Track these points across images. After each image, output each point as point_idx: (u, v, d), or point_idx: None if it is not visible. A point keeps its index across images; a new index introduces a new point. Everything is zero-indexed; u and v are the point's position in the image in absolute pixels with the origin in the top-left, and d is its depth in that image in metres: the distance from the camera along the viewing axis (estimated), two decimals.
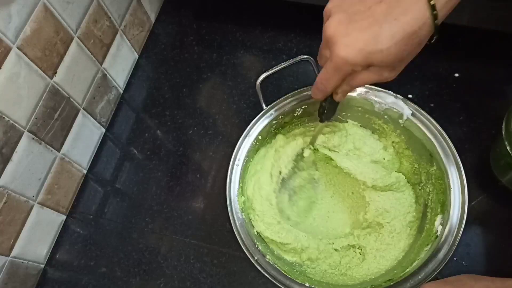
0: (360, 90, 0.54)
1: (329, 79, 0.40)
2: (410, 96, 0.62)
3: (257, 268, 0.48)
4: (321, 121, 0.50)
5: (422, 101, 0.62)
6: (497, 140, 0.54)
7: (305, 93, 0.55)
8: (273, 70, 0.53)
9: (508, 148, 0.49)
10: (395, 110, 0.53)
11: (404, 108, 0.52)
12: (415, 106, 0.52)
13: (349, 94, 0.53)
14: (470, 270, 0.52)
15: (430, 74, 0.65)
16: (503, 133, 0.50)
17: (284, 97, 0.55)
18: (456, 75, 0.65)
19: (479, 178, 0.57)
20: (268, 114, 0.55)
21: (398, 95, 0.53)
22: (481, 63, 0.65)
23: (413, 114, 0.52)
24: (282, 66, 0.53)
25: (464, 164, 0.48)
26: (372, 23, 0.34)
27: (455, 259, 0.53)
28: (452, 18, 0.65)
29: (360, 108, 0.56)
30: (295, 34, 0.71)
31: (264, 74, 0.53)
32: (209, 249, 0.59)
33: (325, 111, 0.48)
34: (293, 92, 0.56)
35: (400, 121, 0.53)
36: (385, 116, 0.55)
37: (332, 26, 0.36)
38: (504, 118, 0.50)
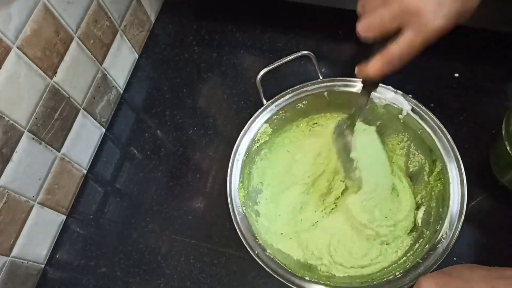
0: (359, 85, 0.54)
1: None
2: (410, 96, 0.62)
3: (257, 267, 0.48)
4: (366, 89, 0.46)
5: (422, 101, 0.62)
6: (497, 140, 0.54)
7: (306, 88, 0.55)
8: (273, 66, 0.53)
9: (508, 148, 0.49)
10: (395, 106, 0.53)
11: (403, 103, 0.53)
12: (415, 101, 0.52)
13: (348, 89, 0.54)
14: None
15: (430, 74, 0.65)
16: (503, 133, 0.50)
17: (285, 92, 0.56)
18: (456, 75, 0.65)
19: (479, 178, 0.57)
20: (268, 109, 0.55)
21: (398, 91, 0.53)
22: (481, 63, 0.65)
23: (412, 110, 0.52)
24: (283, 61, 0.54)
25: (464, 164, 0.48)
26: None
27: (454, 259, 0.53)
28: None
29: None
30: (295, 34, 0.71)
31: (264, 69, 0.53)
32: (209, 249, 0.59)
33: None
34: (293, 87, 0.56)
35: (400, 116, 0.53)
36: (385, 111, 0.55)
37: None
38: (504, 118, 0.50)
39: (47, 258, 0.61)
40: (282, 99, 0.55)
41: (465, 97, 0.63)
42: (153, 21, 0.77)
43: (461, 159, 0.49)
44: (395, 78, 0.65)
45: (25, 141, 0.53)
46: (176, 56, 0.74)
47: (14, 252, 0.54)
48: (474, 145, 0.59)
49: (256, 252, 0.48)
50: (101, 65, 0.65)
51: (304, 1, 0.67)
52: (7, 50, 0.48)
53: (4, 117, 0.49)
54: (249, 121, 0.55)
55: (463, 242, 0.54)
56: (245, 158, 0.54)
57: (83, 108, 0.62)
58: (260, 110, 0.55)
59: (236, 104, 0.68)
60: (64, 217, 0.63)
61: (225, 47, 0.73)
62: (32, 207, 0.56)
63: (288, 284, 0.46)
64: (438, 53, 0.63)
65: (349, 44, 0.68)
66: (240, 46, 0.73)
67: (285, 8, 0.73)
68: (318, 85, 0.55)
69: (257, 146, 0.56)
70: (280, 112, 0.56)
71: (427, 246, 0.47)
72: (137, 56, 0.74)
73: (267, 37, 0.72)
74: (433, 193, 0.52)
